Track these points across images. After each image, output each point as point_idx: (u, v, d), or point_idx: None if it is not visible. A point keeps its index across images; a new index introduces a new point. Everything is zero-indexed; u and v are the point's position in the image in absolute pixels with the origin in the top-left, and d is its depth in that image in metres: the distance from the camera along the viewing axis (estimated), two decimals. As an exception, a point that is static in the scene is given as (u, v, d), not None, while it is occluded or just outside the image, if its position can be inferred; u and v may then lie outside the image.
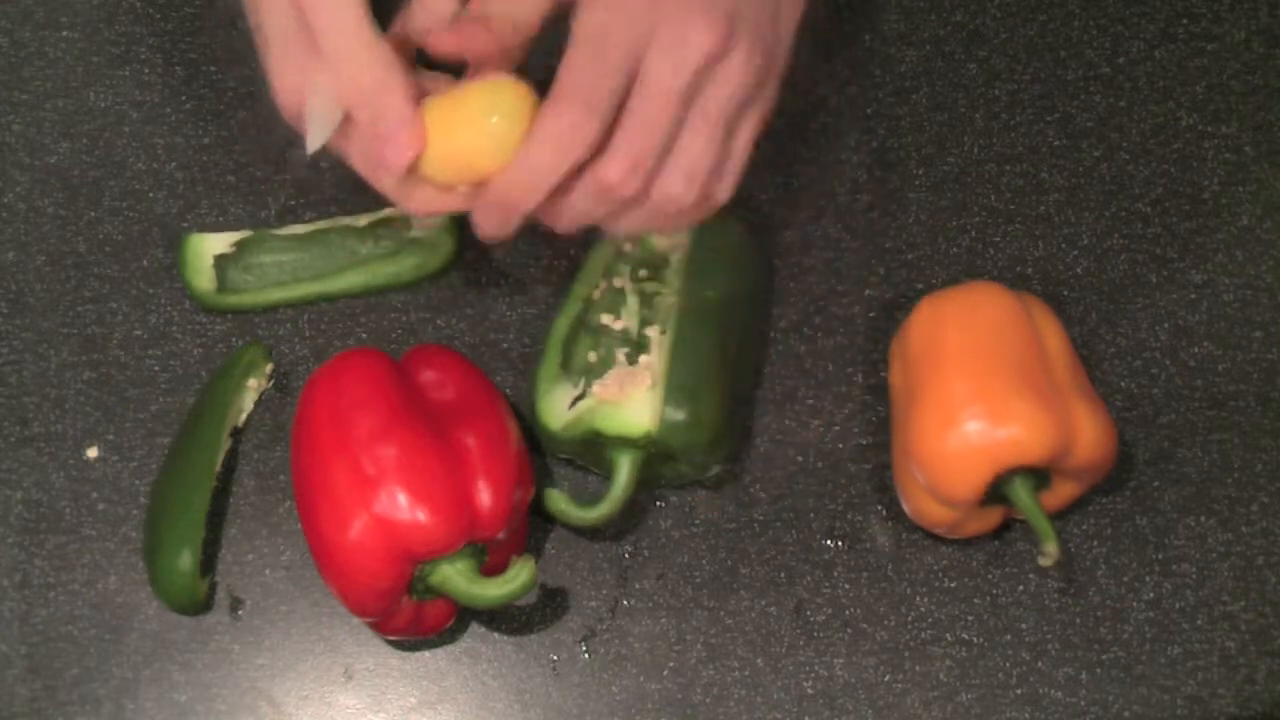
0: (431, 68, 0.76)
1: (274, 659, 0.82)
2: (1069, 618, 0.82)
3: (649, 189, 0.72)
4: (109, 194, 0.90)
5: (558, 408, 0.81)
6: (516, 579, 0.76)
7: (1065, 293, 0.87)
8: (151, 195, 0.90)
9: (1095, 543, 0.83)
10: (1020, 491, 0.78)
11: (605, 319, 0.83)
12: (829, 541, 0.84)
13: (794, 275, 0.88)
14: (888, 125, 0.91)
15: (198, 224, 0.89)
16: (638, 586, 0.83)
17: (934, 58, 0.92)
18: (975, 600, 0.83)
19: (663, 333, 0.81)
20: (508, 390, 0.85)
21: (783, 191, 0.90)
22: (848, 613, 0.83)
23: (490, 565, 0.78)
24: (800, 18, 0.76)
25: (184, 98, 0.92)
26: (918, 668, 0.82)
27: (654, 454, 0.80)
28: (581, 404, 0.80)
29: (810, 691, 0.81)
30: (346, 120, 0.72)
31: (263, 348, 0.87)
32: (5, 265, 0.89)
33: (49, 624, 0.83)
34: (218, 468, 0.84)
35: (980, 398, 0.77)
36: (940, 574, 0.83)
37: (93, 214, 0.90)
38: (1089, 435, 0.77)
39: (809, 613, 0.83)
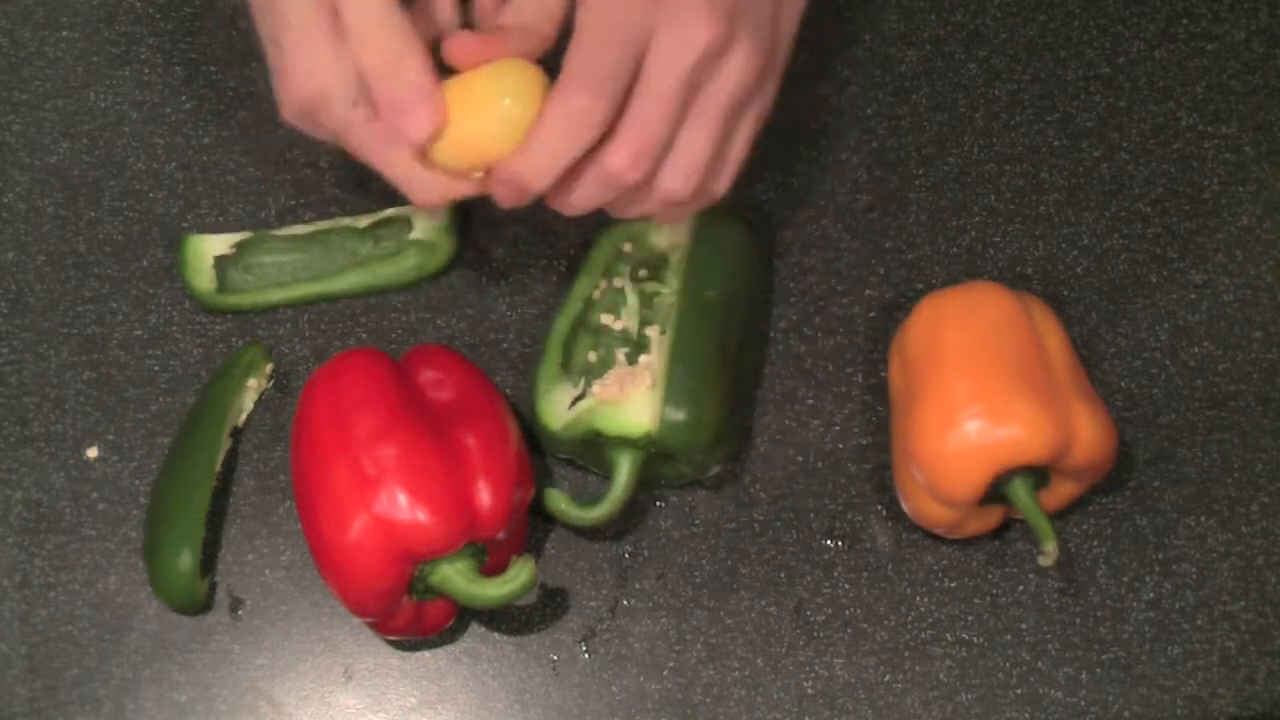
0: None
1: (274, 659, 0.82)
2: (1069, 618, 0.82)
3: (652, 178, 0.73)
4: (109, 194, 0.90)
5: (558, 408, 0.81)
6: (516, 579, 0.76)
7: (1065, 293, 0.87)
8: (151, 195, 0.90)
9: (1095, 543, 0.83)
10: (1020, 491, 0.78)
11: (605, 319, 0.83)
12: (829, 541, 0.84)
13: (794, 275, 0.88)
14: (888, 125, 0.91)
15: (198, 224, 0.89)
16: (638, 586, 0.83)
17: (934, 58, 0.92)
18: (975, 600, 0.83)
19: (663, 333, 0.81)
20: (508, 390, 0.85)
21: (783, 191, 0.90)
22: (848, 613, 0.83)
23: (490, 565, 0.78)
24: (801, 18, 0.76)
25: (184, 98, 0.92)
26: (918, 668, 0.82)
27: (654, 454, 0.80)
28: (581, 404, 0.80)
29: (810, 691, 0.81)
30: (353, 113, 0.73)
31: (263, 348, 0.87)
32: (5, 265, 0.89)
33: (49, 624, 0.83)
34: (218, 468, 0.84)
35: (980, 397, 0.77)
36: (940, 574, 0.83)
37: (93, 214, 0.90)
38: (1089, 435, 0.77)
39: (809, 613, 0.83)
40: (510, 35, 0.73)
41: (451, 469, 0.76)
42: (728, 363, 0.81)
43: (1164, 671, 0.81)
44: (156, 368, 0.87)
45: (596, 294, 0.84)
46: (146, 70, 0.92)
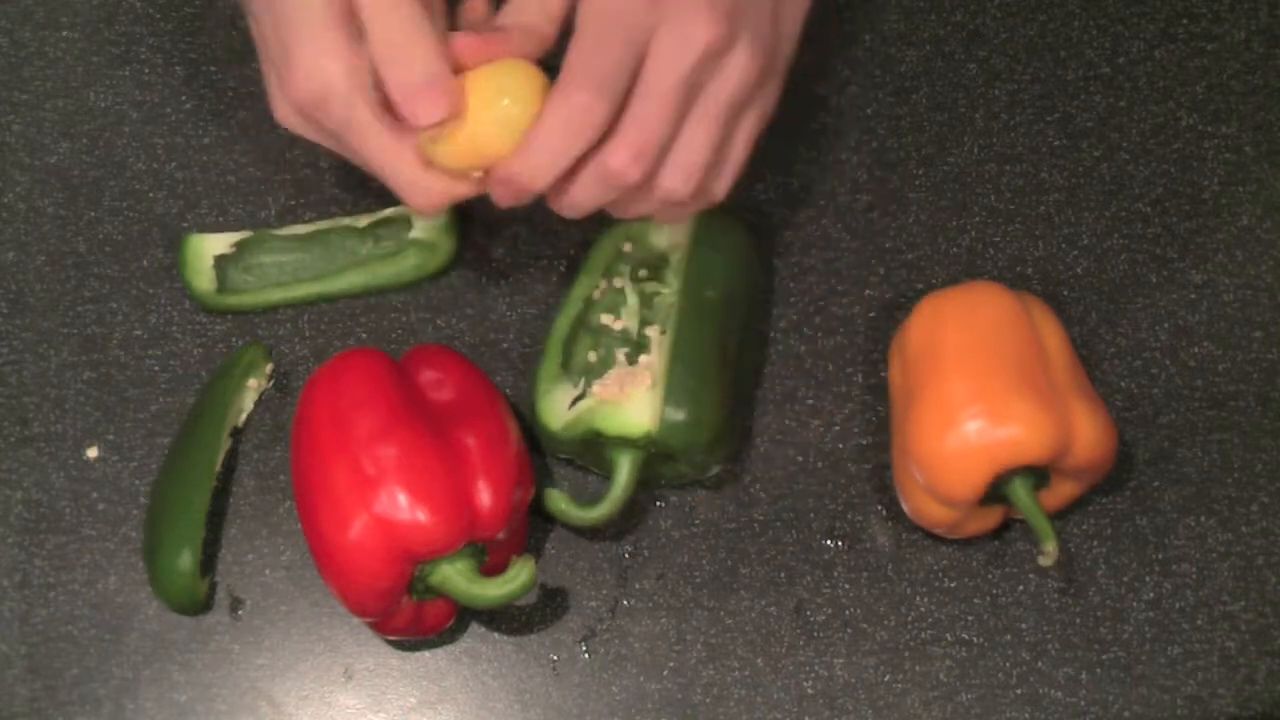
0: None
1: (274, 659, 0.82)
2: (1069, 618, 0.82)
3: (652, 178, 0.73)
4: (109, 194, 0.90)
5: (558, 408, 0.81)
6: (516, 579, 0.76)
7: (1065, 293, 0.87)
8: (151, 195, 0.90)
9: (1095, 543, 0.83)
10: (1020, 491, 0.78)
11: (605, 319, 0.83)
12: (829, 541, 0.84)
13: (794, 275, 0.88)
14: (888, 125, 0.91)
15: (198, 224, 0.89)
16: (638, 586, 0.83)
17: (934, 58, 0.92)
18: (975, 600, 0.83)
19: (663, 333, 0.81)
20: (508, 390, 0.85)
21: (783, 191, 0.90)
22: (848, 613, 0.83)
23: (490, 565, 0.78)
24: (803, 20, 0.76)
25: (184, 98, 0.92)
26: (918, 668, 0.82)
27: (654, 454, 0.80)
28: (581, 404, 0.80)
29: (810, 691, 0.81)
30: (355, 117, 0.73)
31: (263, 348, 0.87)
32: (5, 265, 0.89)
33: (49, 624, 0.83)
34: (218, 468, 0.84)
35: (980, 397, 0.77)
36: (940, 574, 0.83)
37: (93, 214, 0.90)
38: (1089, 435, 0.77)
39: (809, 613, 0.83)
40: (510, 35, 0.73)
41: (451, 469, 0.76)
42: (728, 363, 0.81)
43: (1164, 671, 0.81)
44: (156, 368, 0.87)
45: (596, 294, 0.84)
46: (146, 70, 0.92)
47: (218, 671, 0.82)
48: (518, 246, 0.89)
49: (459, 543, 0.75)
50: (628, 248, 0.84)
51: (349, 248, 0.88)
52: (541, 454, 0.85)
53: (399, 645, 0.83)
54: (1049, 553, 0.77)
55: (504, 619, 0.83)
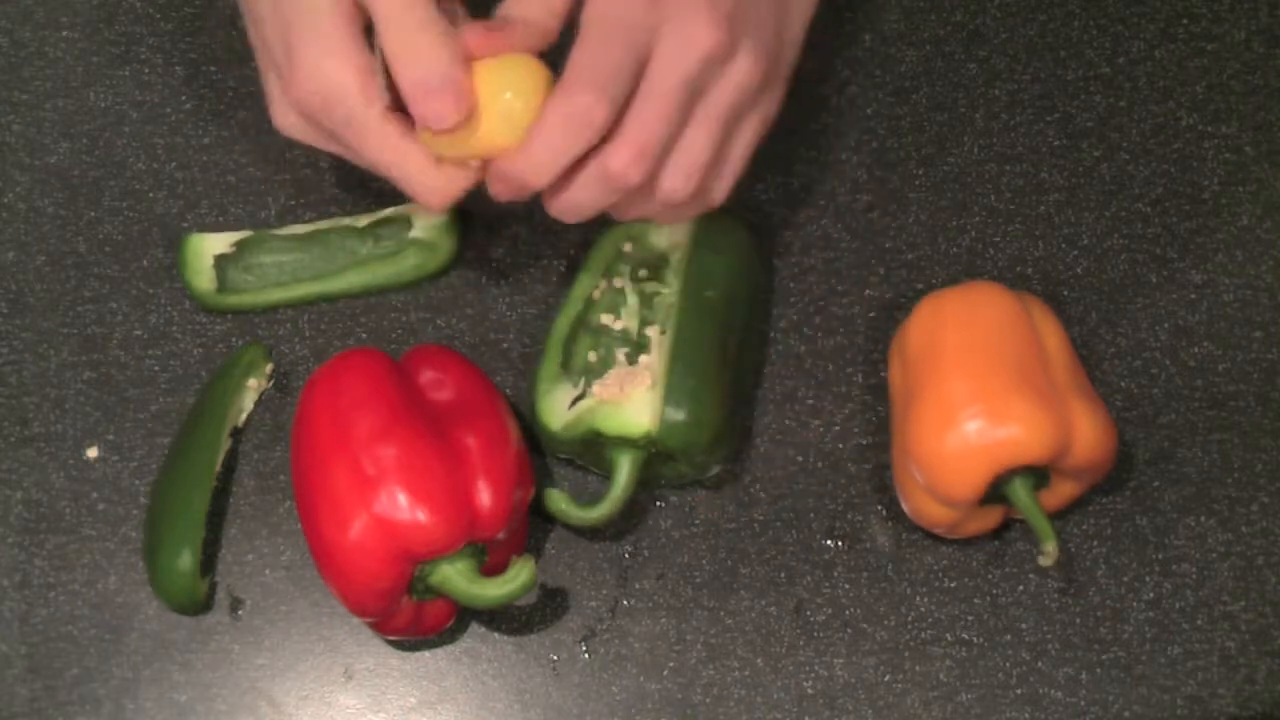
0: None
1: (274, 659, 0.82)
2: (1069, 618, 0.82)
3: (652, 180, 0.73)
4: (109, 194, 0.90)
5: (558, 408, 0.81)
6: (516, 579, 0.76)
7: (1065, 293, 0.87)
8: (151, 195, 0.90)
9: (1095, 543, 0.83)
10: (1020, 491, 0.78)
11: (605, 319, 0.83)
12: (829, 541, 0.84)
13: (794, 275, 0.88)
14: (888, 125, 0.91)
15: (198, 224, 0.89)
16: (638, 586, 0.83)
17: (934, 58, 0.92)
18: (975, 600, 0.83)
19: (663, 333, 0.81)
20: (508, 390, 0.85)
21: (783, 191, 0.90)
22: (848, 613, 0.83)
23: (490, 565, 0.78)
24: (807, 27, 0.77)
25: (184, 98, 0.92)
26: (918, 668, 0.82)
27: (654, 454, 0.80)
28: (581, 404, 0.80)
29: (810, 691, 0.81)
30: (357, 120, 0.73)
31: (263, 348, 0.87)
32: (5, 265, 0.89)
33: (49, 624, 0.83)
34: (218, 468, 0.84)
35: (980, 397, 0.77)
36: (940, 574, 0.83)
37: (93, 214, 0.90)
38: (1088, 435, 0.77)
39: (809, 613, 0.83)
40: (514, 29, 0.73)
41: (451, 469, 0.76)
42: (728, 363, 0.81)
43: (1164, 671, 0.81)
44: (156, 368, 0.87)
45: (596, 294, 0.84)
46: (146, 70, 0.92)
47: (218, 671, 0.82)
48: (518, 246, 0.89)
49: (459, 543, 0.75)
50: (628, 248, 0.84)
51: (349, 248, 0.88)
52: (541, 454, 0.85)
53: (399, 645, 0.83)
54: (1049, 553, 0.77)
55: (504, 619, 0.83)
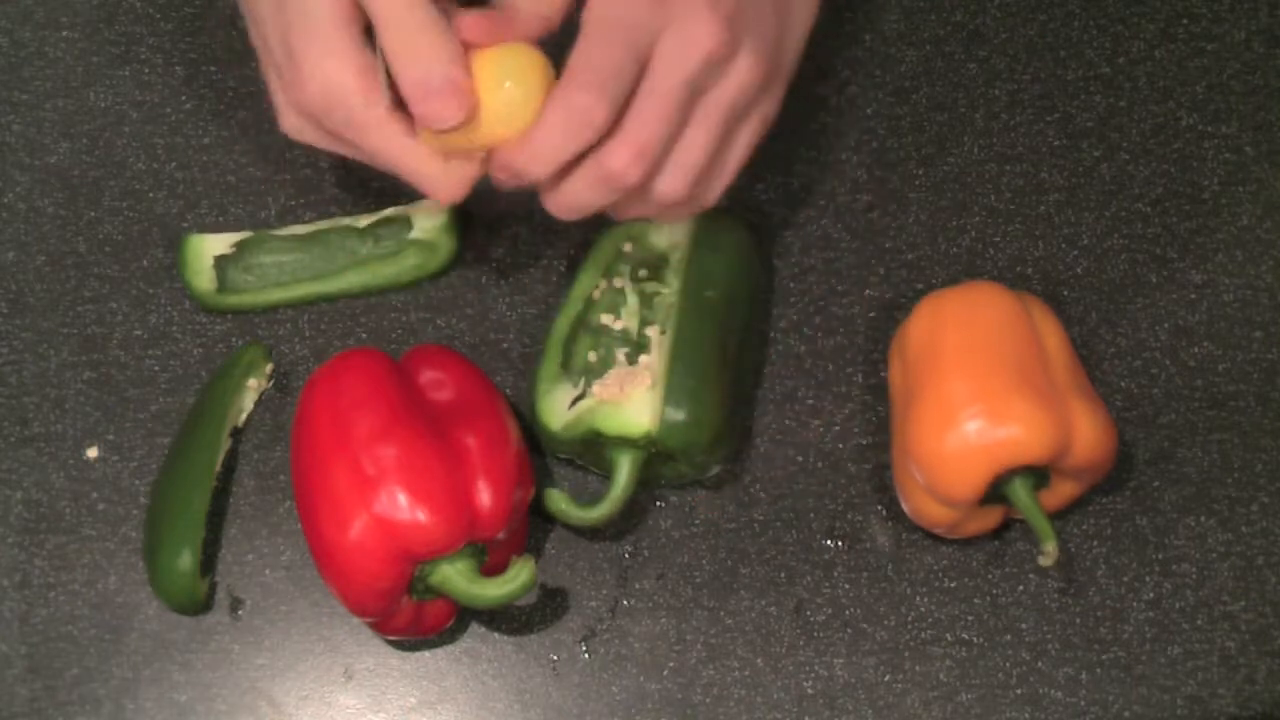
0: None
1: (274, 659, 0.82)
2: (1069, 618, 0.82)
3: (651, 180, 0.73)
4: (109, 194, 0.90)
5: (558, 408, 0.81)
6: (516, 579, 0.76)
7: (1065, 293, 0.87)
8: (151, 195, 0.90)
9: (1095, 543, 0.83)
10: (1020, 491, 0.78)
11: (605, 319, 0.83)
12: (829, 541, 0.84)
13: (794, 275, 0.88)
14: (888, 125, 0.91)
15: (198, 224, 0.89)
16: (638, 586, 0.83)
17: (934, 58, 0.92)
18: (975, 600, 0.83)
19: (663, 333, 0.81)
20: (508, 390, 0.85)
21: (783, 191, 0.90)
22: (848, 613, 0.83)
23: (490, 565, 0.78)
24: (808, 32, 0.77)
25: (184, 98, 0.92)
26: (918, 668, 0.82)
27: (654, 454, 0.80)
28: (581, 404, 0.80)
29: (810, 691, 0.81)
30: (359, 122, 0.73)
31: (263, 348, 0.87)
32: (5, 265, 0.89)
33: (49, 624, 0.83)
34: (218, 468, 0.84)
35: (980, 397, 0.77)
36: (940, 574, 0.83)
37: (93, 214, 0.90)
38: (1088, 435, 0.77)
39: (809, 613, 0.83)
40: (514, 18, 0.73)
41: (451, 469, 0.76)
42: (728, 363, 0.81)
43: (1164, 671, 0.81)
44: (156, 368, 0.87)
45: (596, 294, 0.84)
46: (146, 70, 0.92)
47: (218, 671, 0.82)
48: (518, 246, 0.89)
49: (459, 543, 0.75)
50: (628, 248, 0.84)
51: (349, 248, 0.88)
52: (541, 454, 0.85)
53: (399, 645, 0.83)
54: (1049, 553, 0.77)
55: (504, 619, 0.83)
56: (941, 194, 0.89)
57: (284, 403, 0.86)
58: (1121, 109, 0.91)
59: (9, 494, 0.85)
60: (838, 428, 0.86)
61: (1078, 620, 0.82)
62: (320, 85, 0.72)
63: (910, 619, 0.82)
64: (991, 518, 0.81)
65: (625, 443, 0.79)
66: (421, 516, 0.74)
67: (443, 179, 0.74)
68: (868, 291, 0.88)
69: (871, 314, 0.87)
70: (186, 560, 0.81)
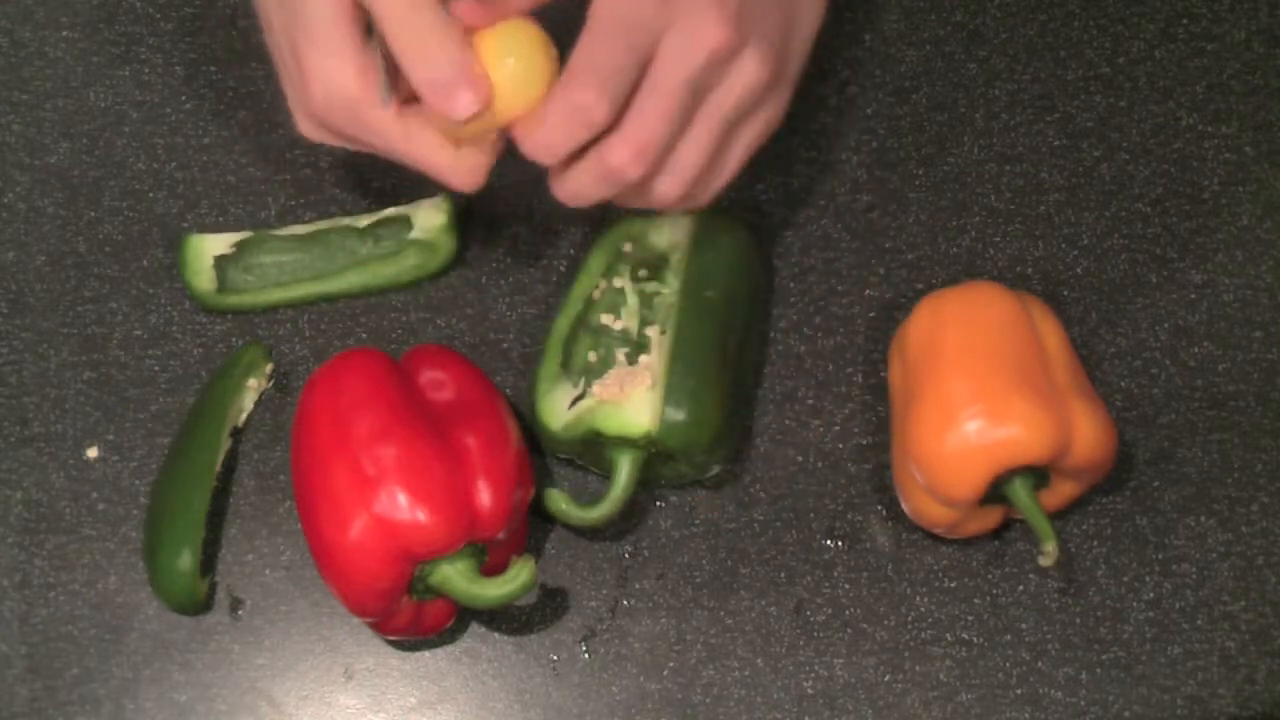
0: None
1: (274, 659, 0.82)
2: (1069, 618, 0.82)
3: (651, 177, 0.73)
4: (109, 194, 0.90)
5: (558, 408, 0.81)
6: (516, 579, 0.76)
7: (1065, 293, 0.87)
8: (151, 195, 0.90)
9: (1095, 543, 0.83)
10: (1020, 491, 0.78)
11: (605, 319, 0.83)
12: (829, 541, 0.84)
13: (794, 275, 0.88)
14: (888, 125, 0.91)
15: (198, 224, 0.89)
16: (638, 586, 0.83)
17: (934, 58, 0.92)
18: (975, 600, 0.83)
19: (663, 333, 0.81)
20: (508, 390, 0.85)
21: (783, 191, 0.90)
22: (848, 613, 0.83)
23: (490, 565, 0.78)
24: (814, 37, 0.76)
25: (184, 98, 0.92)
26: (918, 668, 0.82)
27: (654, 454, 0.80)
28: (581, 404, 0.80)
29: (810, 691, 0.81)
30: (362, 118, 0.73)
31: (263, 348, 0.87)
32: (5, 265, 0.89)
33: (49, 624, 0.83)
34: (218, 468, 0.84)
35: (979, 397, 0.77)
36: (940, 574, 0.83)
37: (93, 214, 0.90)
38: (1088, 435, 0.77)
39: (809, 613, 0.83)
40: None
41: (451, 469, 0.76)
42: (728, 363, 0.81)
43: (1164, 671, 0.81)
44: (156, 368, 0.87)
45: (596, 294, 0.84)
46: (146, 70, 0.92)
47: (218, 671, 0.82)
48: (518, 246, 0.89)
49: (459, 543, 0.75)
50: (628, 248, 0.84)
51: (349, 248, 0.88)
52: (541, 454, 0.85)
53: (399, 645, 0.83)
54: (1049, 553, 0.77)
55: (504, 619, 0.83)
56: (941, 194, 0.89)
57: (284, 403, 0.86)
58: (1121, 109, 0.91)
59: (9, 494, 0.85)
60: (838, 428, 0.85)
61: (1078, 620, 0.82)
62: (323, 88, 0.72)
63: (910, 619, 0.82)
64: (991, 518, 0.81)
65: (625, 443, 0.79)
66: (421, 516, 0.74)
67: (460, 167, 0.74)
68: (868, 291, 0.88)
69: (871, 314, 0.87)
70: (186, 560, 0.81)
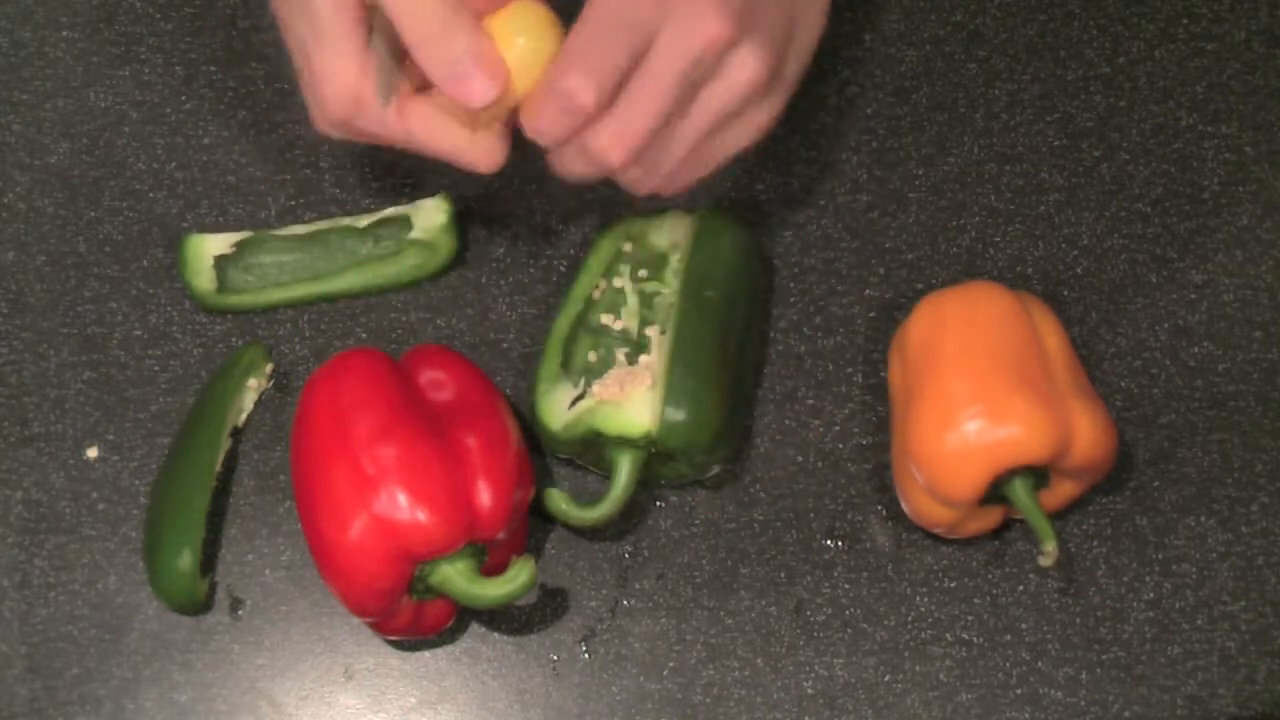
0: None
1: (274, 659, 0.82)
2: (1069, 618, 0.82)
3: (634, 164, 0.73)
4: (109, 194, 0.90)
5: (558, 408, 0.81)
6: (516, 579, 0.76)
7: (1065, 293, 0.87)
8: (151, 195, 0.90)
9: (1095, 543, 0.83)
10: (1020, 491, 0.78)
11: (605, 319, 0.83)
12: (829, 541, 0.84)
13: (794, 275, 0.88)
14: (888, 125, 0.91)
15: (198, 224, 0.89)
16: (638, 586, 0.83)
17: (934, 58, 0.92)
18: (975, 600, 0.83)
19: (663, 333, 0.81)
20: (508, 390, 0.85)
21: (783, 191, 0.90)
22: (848, 613, 0.83)
23: (490, 565, 0.78)
24: (816, 42, 0.76)
25: (184, 98, 0.92)
26: (918, 668, 0.82)
27: (654, 454, 0.80)
28: (581, 404, 0.80)
29: (810, 691, 0.81)
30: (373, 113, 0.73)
31: (263, 348, 0.87)
32: (5, 265, 0.89)
33: (49, 624, 0.83)
34: (218, 468, 0.84)
35: (979, 397, 0.77)
36: (940, 574, 0.83)
37: (93, 214, 0.90)
38: (1088, 435, 0.77)
39: (809, 613, 0.83)
40: None
41: (451, 469, 0.75)
42: (728, 363, 0.81)
43: (1164, 671, 0.81)
44: (156, 368, 0.87)
45: (596, 294, 0.84)
46: (146, 70, 0.92)
47: (218, 671, 0.82)
48: (518, 246, 0.89)
49: (459, 543, 0.75)
50: (628, 248, 0.84)
51: (349, 248, 0.88)
52: (541, 454, 0.85)
53: (399, 645, 0.83)
54: (1049, 553, 0.77)
55: (504, 619, 0.83)
56: (941, 194, 0.89)
57: (284, 403, 0.86)
58: (1121, 109, 0.91)
59: (9, 494, 0.85)
60: (838, 428, 0.85)
61: (1078, 620, 0.82)
62: (333, 88, 0.72)
63: (910, 619, 0.82)
64: (991, 518, 0.81)
65: (625, 443, 0.79)
66: (421, 516, 0.74)
67: (479, 151, 0.74)
68: (868, 291, 0.88)
69: (871, 314, 0.87)
70: (186, 560, 0.81)
